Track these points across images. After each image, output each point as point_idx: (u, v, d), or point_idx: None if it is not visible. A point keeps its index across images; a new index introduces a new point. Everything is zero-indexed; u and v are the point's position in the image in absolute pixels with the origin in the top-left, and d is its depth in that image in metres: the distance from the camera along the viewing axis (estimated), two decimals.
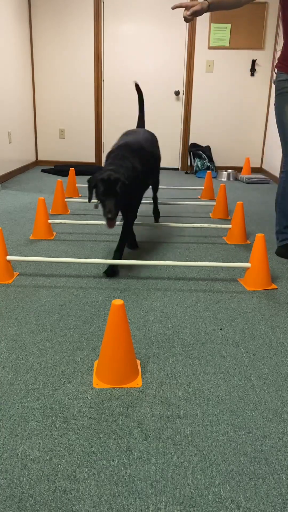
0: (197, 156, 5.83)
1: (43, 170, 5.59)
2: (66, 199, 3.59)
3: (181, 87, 5.84)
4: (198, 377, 1.42)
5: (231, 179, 5.47)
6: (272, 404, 1.31)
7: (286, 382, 1.41)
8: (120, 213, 2.17)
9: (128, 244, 2.62)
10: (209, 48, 5.62)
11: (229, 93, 5.81)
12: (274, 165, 5.41)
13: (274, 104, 2.52)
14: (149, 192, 3.51)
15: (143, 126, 2.87)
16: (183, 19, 5.55)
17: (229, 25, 5.51)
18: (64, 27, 5.62)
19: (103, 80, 5.84)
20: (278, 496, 1.00)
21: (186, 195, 4.36)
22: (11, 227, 3.07)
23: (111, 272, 2.23)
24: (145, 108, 5.97)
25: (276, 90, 2.48)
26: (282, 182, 2.57)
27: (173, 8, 2.10)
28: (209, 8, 2.15)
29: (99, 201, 2.06)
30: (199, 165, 5.76)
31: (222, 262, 2.47)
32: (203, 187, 4.25)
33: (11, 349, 1.56)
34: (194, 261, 2.51)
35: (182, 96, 5.87)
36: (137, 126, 2.86)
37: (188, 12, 2.10)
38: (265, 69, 5.65)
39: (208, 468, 1.07)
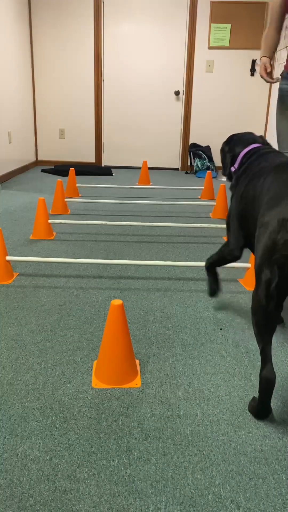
0: (197, 156, 5.83)
1: (43, 170, 5.59)
2: (66, 199, 3.59)
3: (181, 87, 5.84)
4: (198, 377, 1.42)
5: None
6: (272, 404, 1.31)
7: (286, 382, 1.41)
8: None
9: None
10: (209, 48, 5.62)
11: (229, 93, 5.81)
12: None
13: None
14: None
15: None
16: (183, 19, 5.57)
17: (229, 25, 5.51)
18: (64, 27, 5.62)
19: (103, 80, 5.84)
20: (278, 496, 1.00)
21: (186, 195, 4.36)
22: (11, 227, 3.07)
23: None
24: (146, 108, 6.00)
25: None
26: None
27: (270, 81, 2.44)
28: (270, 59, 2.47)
29: None
30: (199, 165, 5.76)
31: None
32: (203, 187, 4.25)
33: (11, 349, 1.56)
34: (194, 261, 2.51)
35: (182, 96, 5.87)
36: None
37: (267, 76, 2.42)
38: None
39: (208, 468, 1.07)
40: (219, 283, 1.86)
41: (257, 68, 5.69)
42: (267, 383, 1.19)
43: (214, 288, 1.86)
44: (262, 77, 2.46)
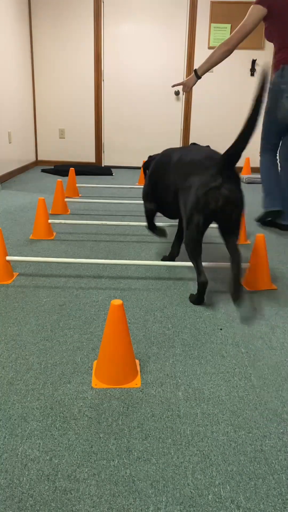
0: None
1: (43, 170, 5.60)
2: (66, 199, 3.59)
3: (181, 87, 5.84)
4: (198, 377, 1.42)
5: None
6: (272, 404, 1.31)
7: (286, 382, 1.41)
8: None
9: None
10: (209, 48, 5.62)
11: (229, 93, 5.81)
12: None
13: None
14: None
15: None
16: (183, 19, 5.57)
17: (229, 25, 5.51)
18: (64, 27, 5.62)
19: (103, 80, 5.84)
20: (278, 496, 1.00)
21: None
22: (11, 227, 3.07)
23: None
24: (146, 108, 6.00)
25: None
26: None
27: (173, 86, 2.91)
28: (198, 78, 2.84)
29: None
30: None
31: (222, 262, 2.47)
32: None
33: (11, 349, 1.56)
34: None
35: (182, 96, 5.87)
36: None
37: (186, 89, 2.89)
38: None
39: (208, 468, 1.07)
40: (162, 230, 2.36)
41: (257, 68, 5.70)
42: (203, 286, 1.88)
43: (161, 231, 2.35)
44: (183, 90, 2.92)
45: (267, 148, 3.08)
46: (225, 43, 2.71)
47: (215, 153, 1.88)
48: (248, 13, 2.72)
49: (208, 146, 6.05)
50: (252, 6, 2.71)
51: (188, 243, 1.85)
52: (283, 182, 3.08)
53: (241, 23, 2.70)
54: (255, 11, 2.68)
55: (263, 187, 3.11)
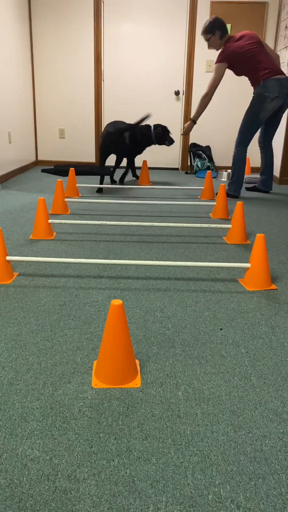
0: (197, 156, 5.83)
1: (43, 170, 5.59)
2: (66, 199, 3.59)
3: (181, 87, 5.84)
4: (198, 377, 1.42)
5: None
6: (272, 404, 1.31)
7: (286, 382, 1.41)
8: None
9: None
10: (209, 48, 5.62)
11: (229, 93, 5.81)
12: (273, 164, 5.40)
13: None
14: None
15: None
16: (183, 19, 5.57)
17: (229, 25, 5.51)
18: (64, 27, 5.62)
19: (103, 80, 5.84)
20: (278, 496, 1.00)
21: (186, 195, 4.36)
22: (11, 227, 3.07)
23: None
24: (146, 108, 6.00)
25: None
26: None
27: (182, 134, 4.39)
28: (195, 123, 4.11)
29: None
30: (199, 165, 5.76)
31: (222, 262, 2.47)
32: (203, 187, 4.25)
33: (11, 349, 1.56)
34: (194, 261, 2.51)
35: (182, 96, 5.87)
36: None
37: (186, 132, 4.23)
38: None
39: (208, 468, 1.07)
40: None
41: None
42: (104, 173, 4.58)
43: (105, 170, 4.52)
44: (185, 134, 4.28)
45: (243, 144, 4.03)
46: (204, 95, 3.92)
47: (117, 123, 4.26)
48: (214, 70, 3.87)
49: (207, 146, 6.04)
50: (216, 64, 3.87)
51: (99, 152, 4.35)
52: (268, 160, 4.38)
53: (212, 78, 3.87)
54: (219, 68, 3.84)
55: (234, 175, 4.12)
